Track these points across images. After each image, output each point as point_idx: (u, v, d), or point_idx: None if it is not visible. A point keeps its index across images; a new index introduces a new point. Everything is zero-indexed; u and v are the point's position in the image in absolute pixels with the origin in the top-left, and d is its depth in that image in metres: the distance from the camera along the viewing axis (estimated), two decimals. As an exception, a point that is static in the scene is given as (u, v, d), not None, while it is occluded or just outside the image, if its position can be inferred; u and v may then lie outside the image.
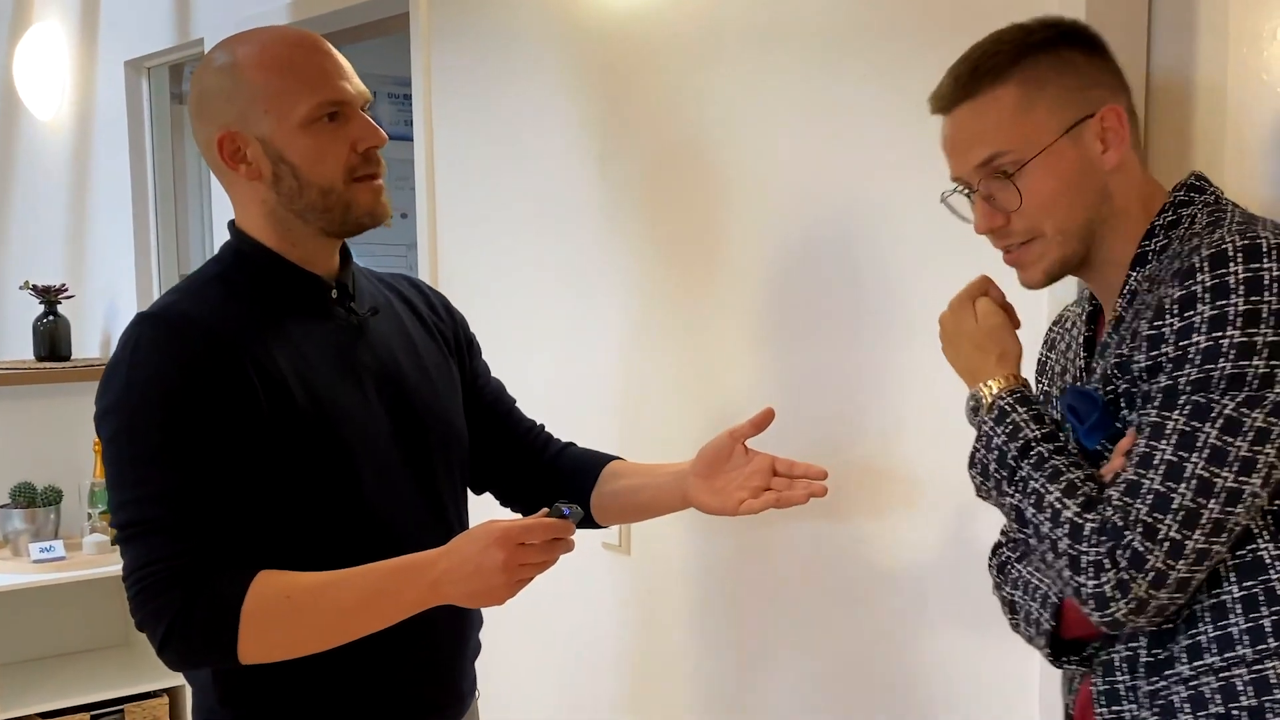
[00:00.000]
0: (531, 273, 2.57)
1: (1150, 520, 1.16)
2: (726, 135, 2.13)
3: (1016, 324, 1.42)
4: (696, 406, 2.23)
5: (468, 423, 1.72)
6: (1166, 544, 1.15)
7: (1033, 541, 1.27)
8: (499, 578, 1.36)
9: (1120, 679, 1.27)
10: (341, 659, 1.45)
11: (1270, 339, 1.14)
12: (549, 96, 2.49)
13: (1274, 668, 1.17)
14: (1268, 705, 1.16)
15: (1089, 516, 1.20)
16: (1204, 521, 1.15)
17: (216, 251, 1.59)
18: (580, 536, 2.43)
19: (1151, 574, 1.15)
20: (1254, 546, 1.19)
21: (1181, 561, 1.15)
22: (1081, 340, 1.41)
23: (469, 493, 1.74)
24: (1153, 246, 1.29)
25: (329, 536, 1.48)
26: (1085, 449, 1.32)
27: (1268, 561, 1.18)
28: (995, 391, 1.34)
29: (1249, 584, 1.19)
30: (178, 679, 3.69)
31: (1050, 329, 1.52)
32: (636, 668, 2.42)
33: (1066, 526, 1.21)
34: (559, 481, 1.77)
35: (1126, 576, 1.16)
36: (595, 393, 2.43)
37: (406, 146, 2.92)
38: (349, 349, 1.54)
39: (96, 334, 4.29)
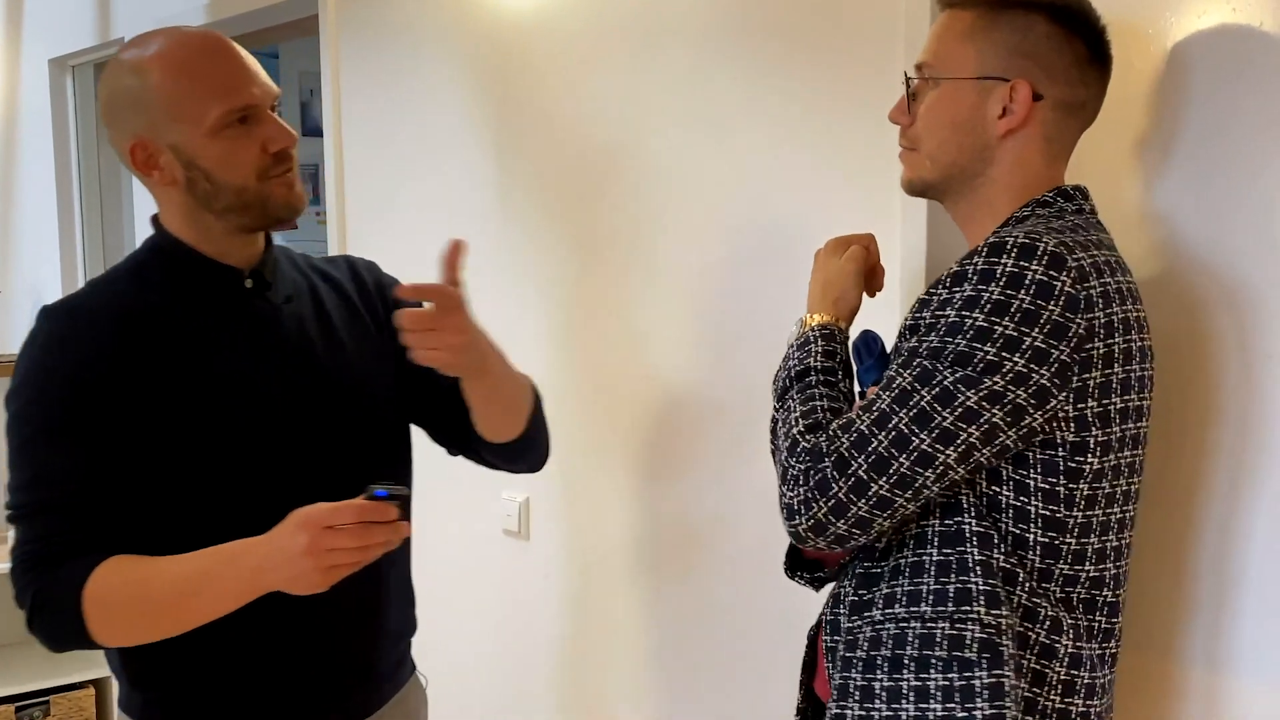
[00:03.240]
0: (434, 268, 2.63)
1: (847, 455, 1.24)
2: (614, 129, 2.21)
3: (878, 286, 1.51)
4: (593, 397, 2.31)
5: (415, 393, 1.69)
6: (852, 480, 1.24)
7: (774, 454, 1.36)
8: (306, 562, 1.32)
9: (841, 612, 1.37)
10: (242, 642, 1.48)
11: (1009, 332, 1.20)
12: (453, 96, 2.56)
13: (943, 629, 1.26)
14: (930, 659, 1.26)
15: (808, 437, 1.28)
16: (891, 471, 1.23)
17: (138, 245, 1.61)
18: (481, 525, 2.54)
19: (833, 501, 1.24)
20: (960, 519, 1.27)
21: (863, 500, 1.24)
22: None
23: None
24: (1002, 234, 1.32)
25: (226, 525, 1.47)
26: (861, 389, 1.41)
27: (968, 535, 1.27)
28: (812, 324, 1.44)
29: (947, 551, 1.27)
30: (104, 670, 3.72)
31: None
32: (542, 648, 2.50)
33: (790, 440, 1.30)
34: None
35: (811, 496, 1.25)
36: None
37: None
38: (262, 338, 1.55)
39: (21, 331, 4.30)
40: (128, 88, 1.48)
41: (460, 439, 1.73)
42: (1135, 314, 1.28)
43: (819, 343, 1.41)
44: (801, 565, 1.54)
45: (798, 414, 1.33)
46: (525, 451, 1.71)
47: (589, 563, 2.35)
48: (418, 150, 2.66)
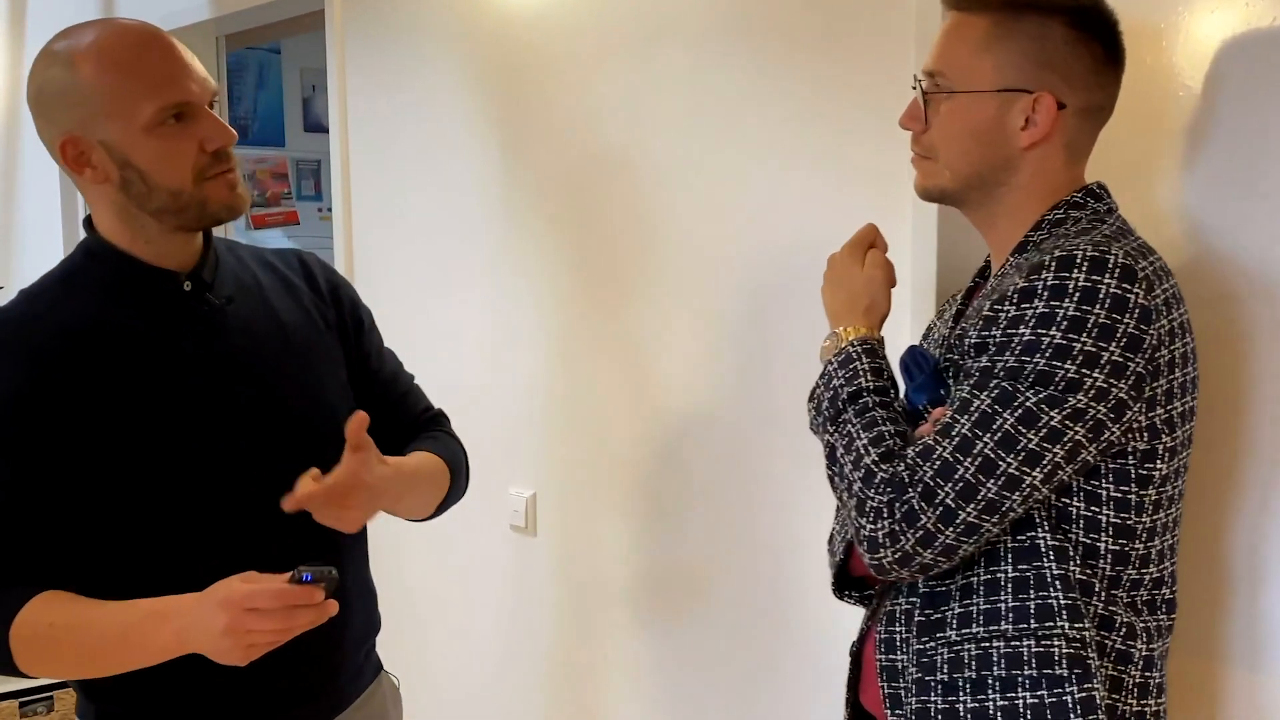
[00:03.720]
0: (444, 265, 2.63)
1: (932, 484, 1.22)
2: (618, 128, 2.20)
3: (892, 282, 1.48)
4: (599, 395, 2.31)
5: (358, 403, 1.62)
6: (940, 509, 1.21)
7: (835, 480, 1.33)
8: (224, 641, 1.28)
9: (897, 630, 1.35)
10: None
11: (1088, 348, 1.19)
12: (459, 95, 2.56)
13: (1029, 646, 1.24)
14: (1017, 678, 1.24)
15: (884, 467, 1.25)
16: (979, 498, 1.21)
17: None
18: (488, 520, 2.54)
19: (920, 532, 1.22)
20: (1033, 534, 1.25)
21: (951, 529, 1.22)
22: (954, 311, 1.48)
23: None
24: (1035, 238, 1.33)
25: (175, 542, 1.45)
26: (911, 406, 1.37)
27: (1043, 550, 1.25)
28: (850, 338, 1.40)
29: (1023, 567, 1.26)
30: (108, 666, 3.72)
31: (945, 301, 1.59)
32: (547, 644, 2.50)
33: (863, 471, 1.27)
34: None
35: (898, 529, 1.23)
36: (503, 386, 2.50)
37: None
38: (202, 342, 1.48)
39: (26, 326, 4.30)
40: (59, 80, 1.41)
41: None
42: (1184, 318, 1.28)
43: (864, 359, 1.37)
44: (849, 584, 1.51)
45: (865, 441, 1.29)
46: (432, 517, 1.70)
47: (597, 559, 2.35)
48: (422, 147, 2.66)
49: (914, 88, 1.39)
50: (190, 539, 1.45)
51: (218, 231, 1.59)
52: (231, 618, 1.27)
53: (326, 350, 1.62)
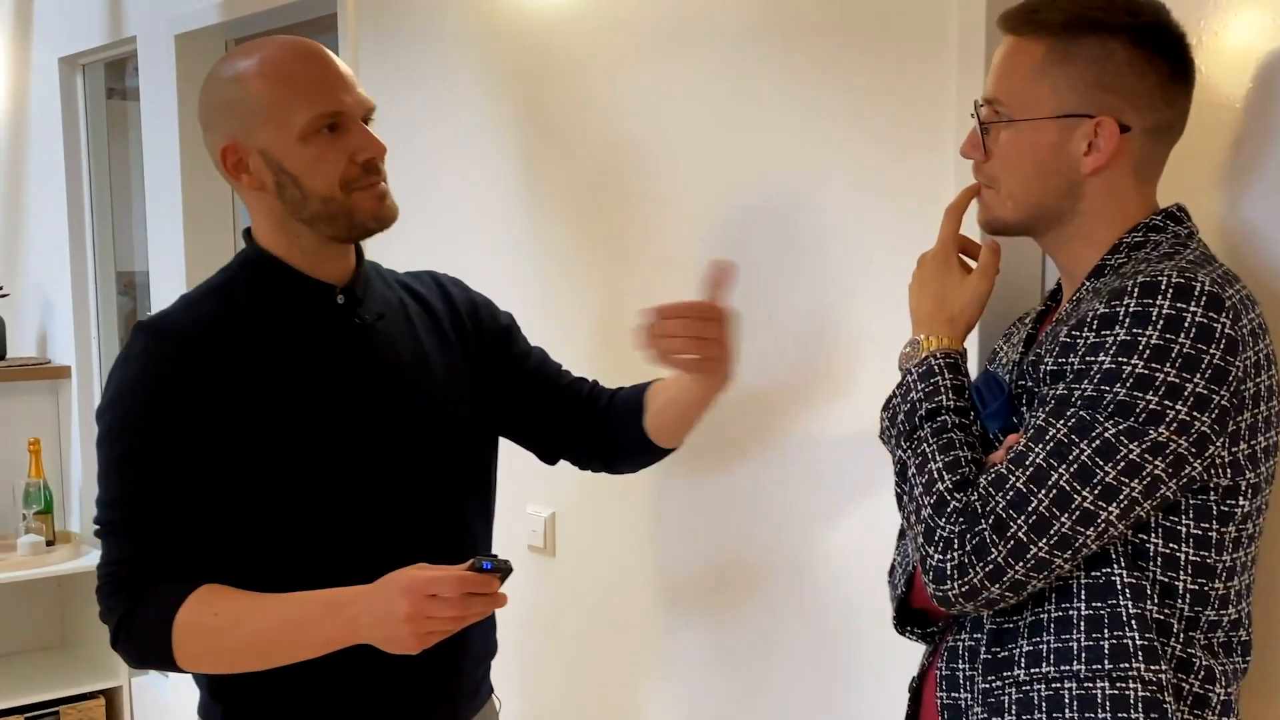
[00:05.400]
0: (462, 270, 2.55)
1: (1004, 516, 1.17)
2: (642, 131, 2.14)
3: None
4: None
5: (513, 408, 1.76)
6: (1011, 543, 1.16)
7: (904, 500, 1.29)
8: (404, 628, 1.34)
9: (961, 667, 1.29)
10: (326, 659, 1.46)
11: (1170, 379, 1.14)
12: (475, 94, 2.50)
13: (1103, 689, 1.18)
14: None
15: (957, 495, 1.21)
16: (1052, 532, 1.16)
17: (232, 258, 1.62)
18: (505, 540, 2.47)
19: (990, 566, 1.17)
20: (1108, 570, 1.20)
21: (1021, 563, 1.17)
22: (1024, 336, 1.44)
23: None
24: (1113, 261, 1.29)
25: (314, 547, 1.51)
26: (985, 432, 1.33)
27: (1119, 587, 1.19)
28: (932, 348, 1.35)
29: (1097, 604, 1.20)
30: (114, 681, 3.68)
31: (1011, 324, 1.54)
32: (567, 670, 2.43)
33: (935, 497, 1.22)
34: (612, 428, 1.77)
35: (967, 561, 1.18)
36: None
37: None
38: (351, 356, 1.56)
39: (32, 333, 4.25)
40: (224, 93, 1.51)
41: (558, 446, 1.82)
42: (1270, 349, 1.21)
43: (946, 374, 1.32)
44: (910, 619, 1.45)
45: (939, 465, 1.24)
46: (660, 458, 1.79)
47: (616, 580, 2.29)
48: (439, 150, 2.60)
49: (973, 115, 1.33)
50: (329, 543, 1.52)
51: None
52: (413, 604, 1.33)
53: (460, 368, 1.69)
